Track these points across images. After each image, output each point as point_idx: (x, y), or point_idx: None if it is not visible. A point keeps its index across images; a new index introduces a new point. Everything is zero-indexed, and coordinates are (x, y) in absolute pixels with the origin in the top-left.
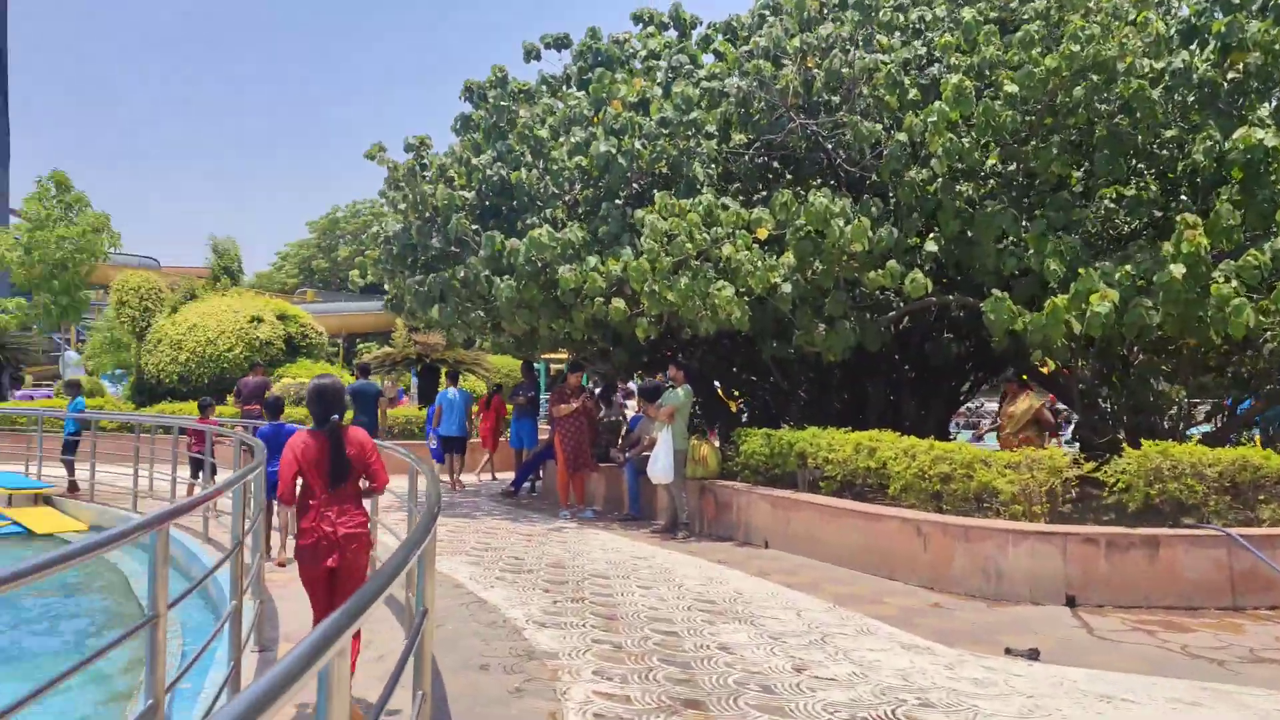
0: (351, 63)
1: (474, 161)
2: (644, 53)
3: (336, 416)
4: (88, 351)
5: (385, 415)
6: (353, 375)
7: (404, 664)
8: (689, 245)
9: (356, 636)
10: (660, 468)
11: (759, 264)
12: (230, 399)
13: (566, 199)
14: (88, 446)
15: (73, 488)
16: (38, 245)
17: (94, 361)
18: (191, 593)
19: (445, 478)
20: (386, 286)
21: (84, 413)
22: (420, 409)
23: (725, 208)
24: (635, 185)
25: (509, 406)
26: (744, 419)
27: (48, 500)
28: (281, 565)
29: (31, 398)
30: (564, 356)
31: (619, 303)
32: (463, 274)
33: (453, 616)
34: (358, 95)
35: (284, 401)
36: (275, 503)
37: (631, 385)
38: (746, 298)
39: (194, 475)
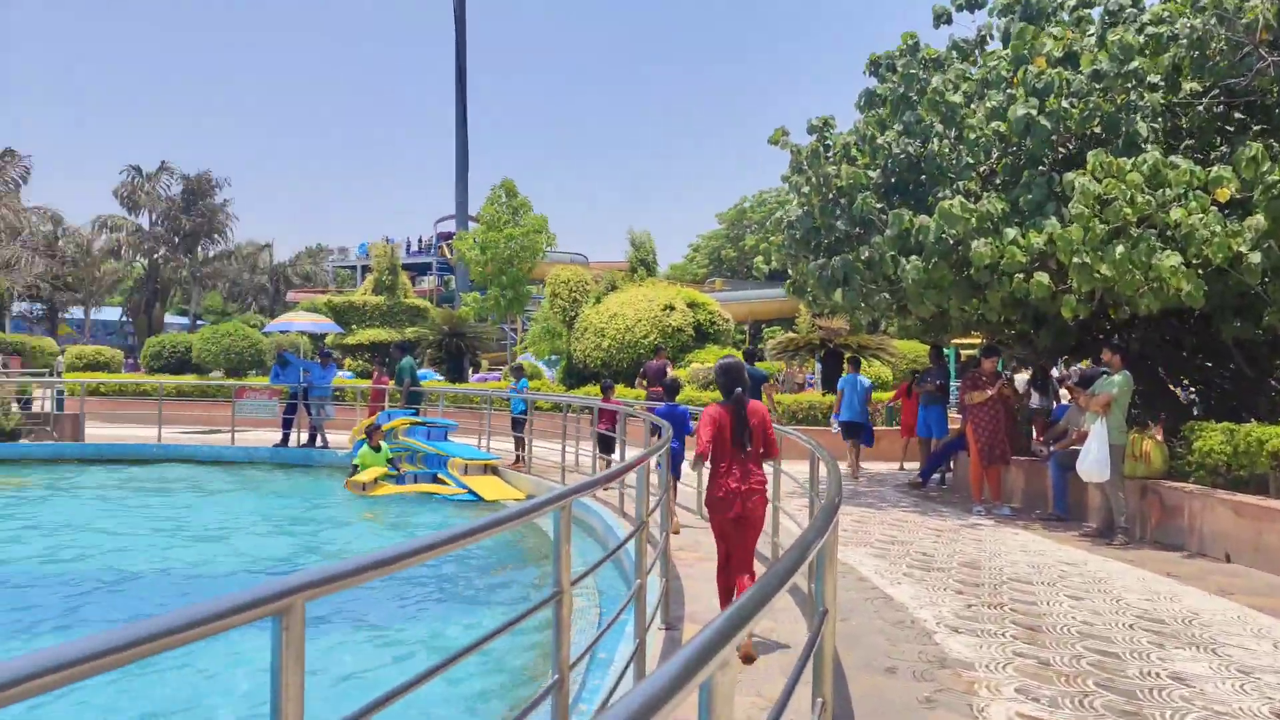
0: (755, 50)
1: (879, 139)
2: (1073, 1)
3: (740, 389)
4: (528, 339)
5: (773, 399)
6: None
7: (803, 665)
8: (1128, 210)
9: (751, 576)
10: (1092, 463)
11: (1218, 230)
12: (638, 381)
13: (981, 169)
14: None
15: (518, 460)
16: (490, 245)
17: (534, 348)
18: (597, 569)
19: (845, 465)
20: (789, 271)
21: (524, 393)
22: (823, 395)
23: (1175, 166)
24: (1061, 149)
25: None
26: (1195, 411)
27: (495, 471)
28: (675, 533)
29: (486, 380)
30: (976, 341)
31: (1042, 278)
32: (867, 255)
33: (857, 611)
34: (762, 84)
35: (681, 383)
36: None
37: (1055, 372)
38: (1200, 269)
39: (605, 451)
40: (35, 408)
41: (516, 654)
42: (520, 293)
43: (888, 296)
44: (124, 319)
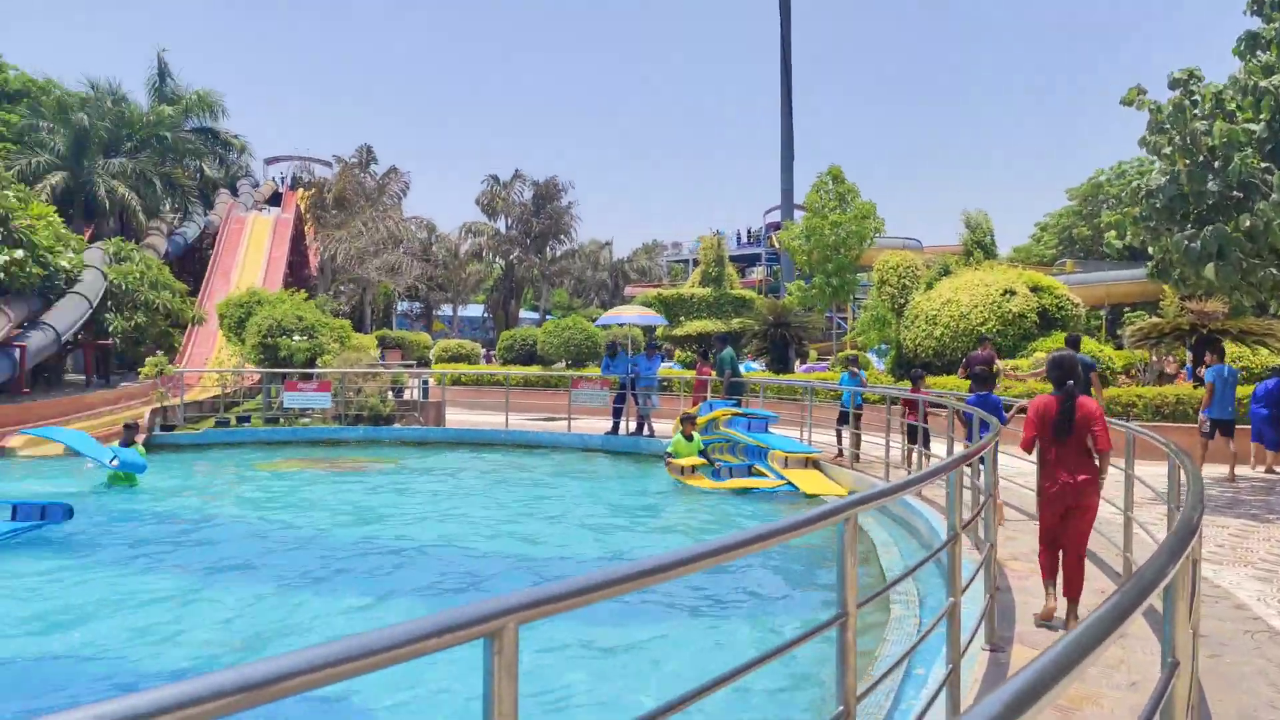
0: (1100, 6)
1: (1263, 84)
2: None
3: (1071, 382)
4: (856, 328)
5: (1099, 390)
6: (1113, 348)
7: (1151, 716)
8: None
9: (1079, 567)
10: None
11: None
12: (960, 371)
13: None
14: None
15: (840, 454)
16: (815, 233)
17: (862, 337)
18: (891, 589)
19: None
20: (1150, 249)
21: (853, 386)
22: (1194, 387)
23: None
24: None
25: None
26: None
27: (816, 464)
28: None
29: (813, 371)
30: None
31: None
32: (1248, 224)
33: (1232, 647)
34: (1112, 41)
35: (994, 372)
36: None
37: None
38: None
39: (911, 442)
40: (406, 395)
41: (811, 667)
42: (847, 280)
43: (1275, 272)
44: (485, 315)
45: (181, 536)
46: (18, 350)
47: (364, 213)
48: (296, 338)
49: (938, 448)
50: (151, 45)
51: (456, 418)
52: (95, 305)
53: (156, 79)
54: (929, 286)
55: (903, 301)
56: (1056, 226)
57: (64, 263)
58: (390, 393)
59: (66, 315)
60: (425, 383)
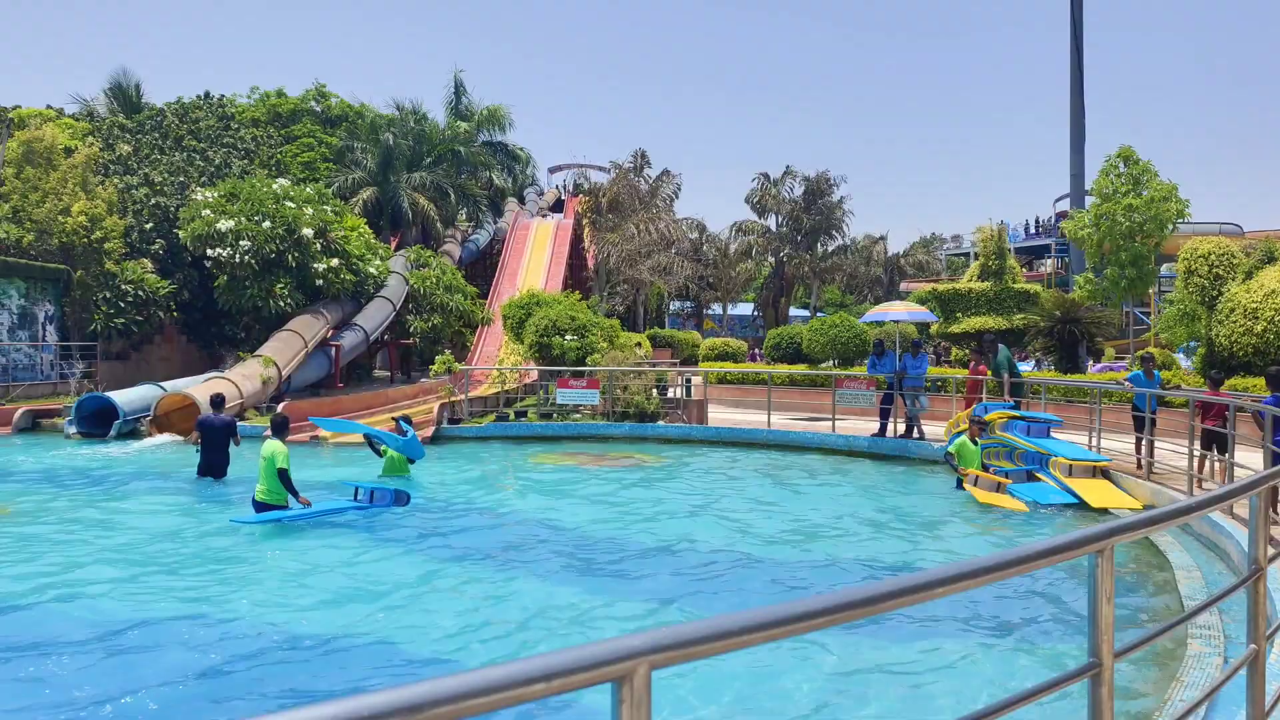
0: None
1: None
2: None
3: None
4: (1160, 324)
5: None
6: None
7: None
8: None
9: None
10: None
11: None
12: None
13: None
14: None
15: (1139, 464)
16: (1105, 220)
17: (1166, 334)
18: (1158, 638)
19: None
20: None
21: (1149, 388)
22: None
23: None
24: None
25: None
26: None
27: (1105, 474)
28: None
29: (1109, 371)
30: None
31: None
32: None
33: None
34: None
35: None
36: None
37: None
38: None
39: (1205, 449)
40: (671, 393)
41: None
42: (1144, 271)
43: None
44: (755, 313)
45: (447, 525)
46: (333, 349)
47: (637, 215)
48: (569, 337)
49: (1253, 459)
50: (450, 66)
51: (719, 416)
52: (398, 308)
53: (453, 97)
54: (1248, 276)
55: (1215, 294)
56: None
57: (372, 269)
58: (655, 390)
59: (374, 317)
60: (689, 381)
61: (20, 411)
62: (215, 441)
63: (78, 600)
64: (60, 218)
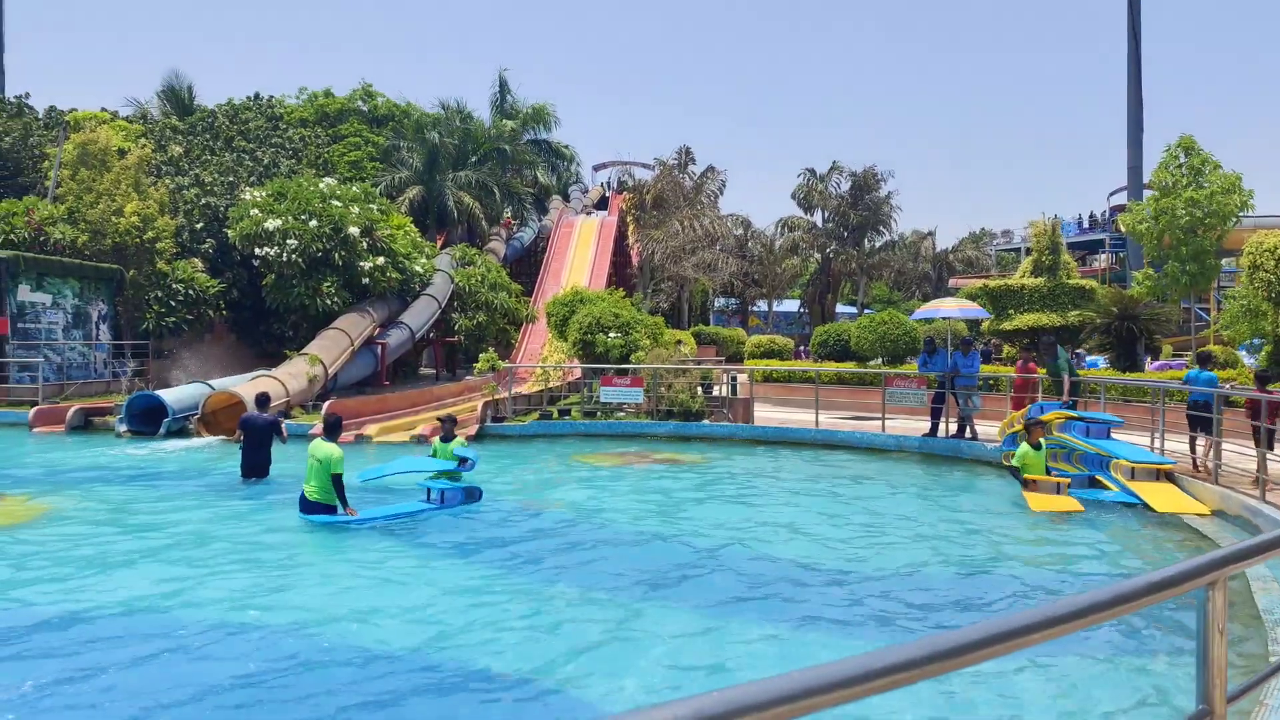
0: None
1: None
2: None
3: None
4: (1222, 320)
5: None
6: None
7: None
8: None
9: None
10: None
11: None
12: None
13: None
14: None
15: (1197, 466)
16: (1164, 214)
17: (1229, 331)
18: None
19: None
20: None
21: (1207, 386)
22: None
23: None
24: None
25: None
26: None
27: (1169, 477)
28: None
29: (1166, 369)
30: None
31: None
32: None
33: None
34: None
35: None
36: None
37: None
38: None
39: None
40: (716, 392)
41: None
42: (1205, 266)
43: None
44: (801, 310)
45: (492, 525)
46: (379, 347)
47: (681, 212)
48: (612, 334)
49: None
50: (495, 65)
51: (765, 415)
52: (444, 305)
53: (498, 95)
54: None
55: None
56: None
57: (418, 268)
58: (700, 388)
59: (420, 315)
60: (734, 379)
61: (73, 410)
62: (258, 440)
63: (118, 600)
64: (114, 218)
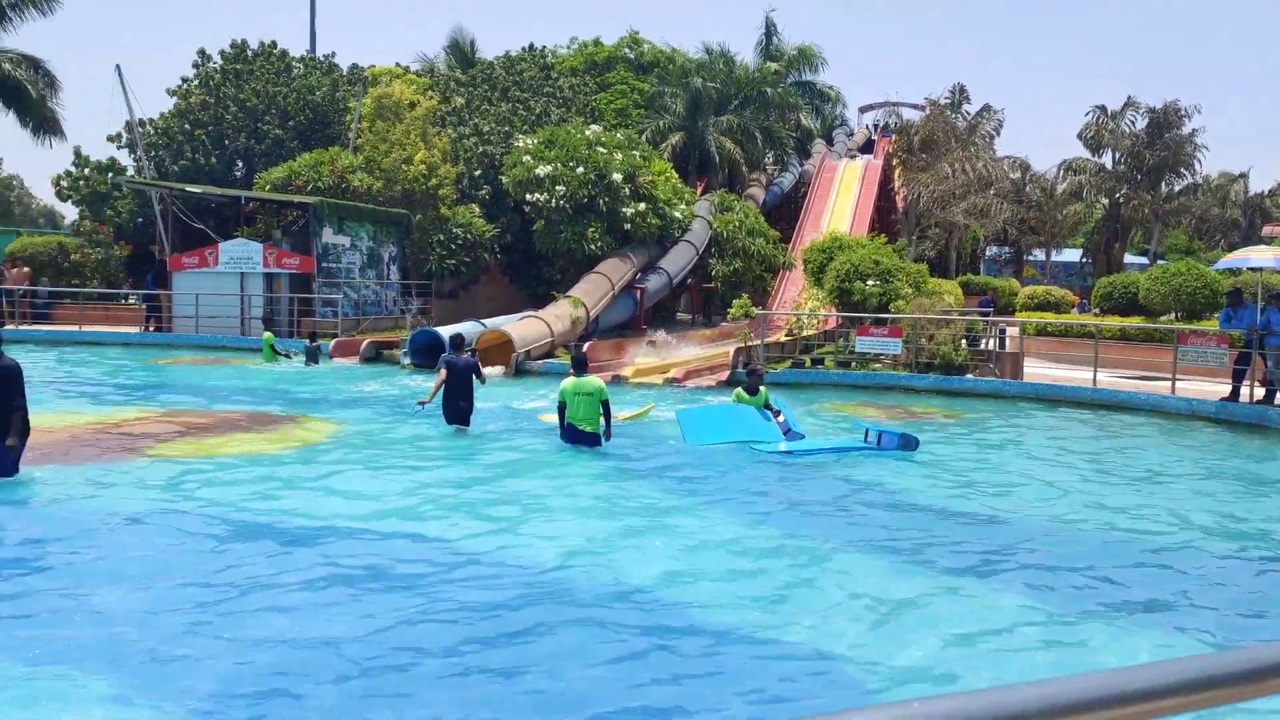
0: None
1: None
2: None
3: None
4: None
5: None
6: None
7: None
8: None
9: None
10: None
11: None
12: None
13: None
14: None
15: None
16: None
17: None
18: None
19: None
20: None
21: None
22: None
23: None
24: None
25: None
26: None
27: None
28: None
29: None
30: None
31: None
32: None
33: None
34: None
35: None
36: None
37: None
38: None
39: None
40: (982, 345)
41: None
42: None
43: None
44: (1083, 259)
45: (742, 477)
46: (638, 292)
47: (952, 154)
48: (871, 282)
49: None
50: (761, 6)
51: (1036, 371)
52: (701, 251)
53: (763, 38)
54: None
55: None
56: None
57: (677, 214)
58: (965, 341)
59: (678, 261)
60: (1003, 331)
61: (366, 342)
62: (461, 383)
63: (391, 525)
64: (404, 166)
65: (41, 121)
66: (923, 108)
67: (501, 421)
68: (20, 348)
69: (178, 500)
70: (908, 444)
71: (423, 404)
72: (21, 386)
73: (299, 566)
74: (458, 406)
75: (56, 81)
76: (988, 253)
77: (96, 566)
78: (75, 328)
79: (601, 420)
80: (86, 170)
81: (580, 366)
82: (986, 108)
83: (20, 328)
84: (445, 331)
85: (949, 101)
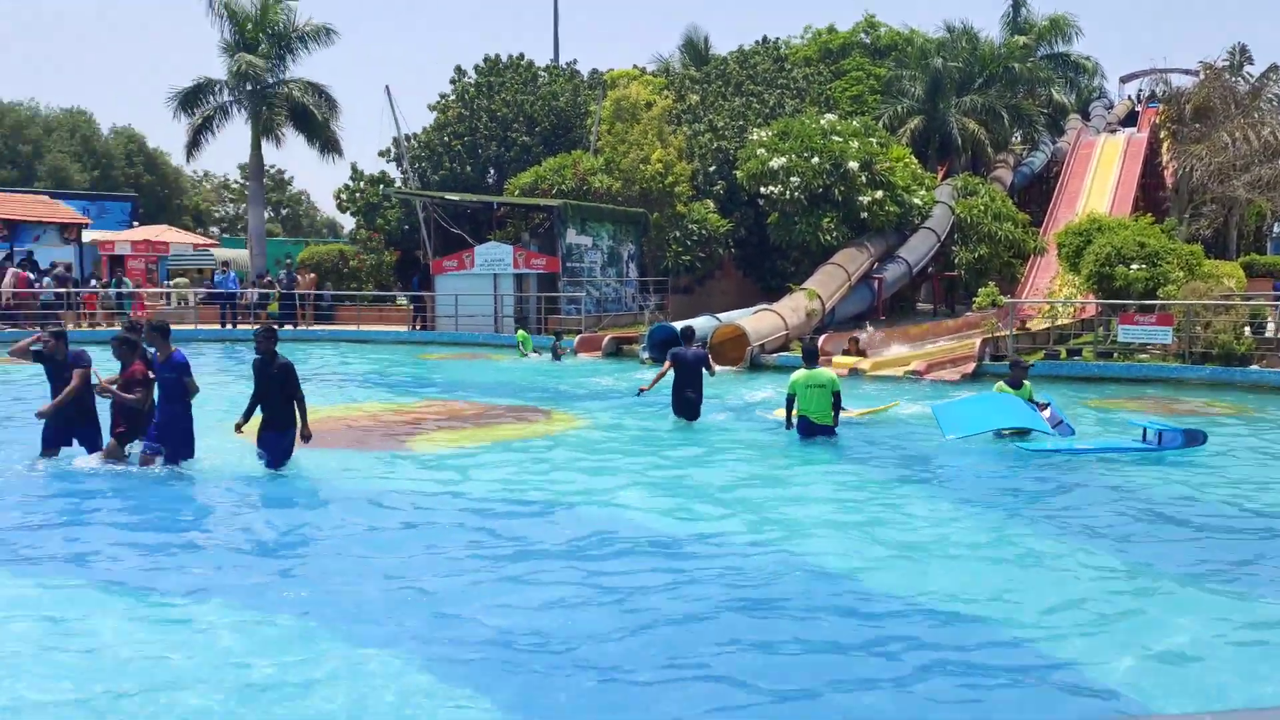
0: None
1: None
2: None
3: None
4: None
5: None
6: None
7: None
8: None
9: None
10: None
11: None
12: None
13: None
14: None
15: None
16: None
17: None
18: None
19: None
20: None
21: None
22: None
23: None
24: None
25: None
26: None
27: None
28: None
29: None
30: None
31: None
32: None
33: None
34: None
35: None
36: None
37: None
38: None
39: None
40: (1269, 333)
41: None
42: None
43: None
44: None
45: (992, 474)
46: (875, 282)
47: (1232, 122)
48: (1135, 266)
49: None
50: None
51: None
52: (943, 238)
53: (1010, 11)
54: None
55: None
56: None
57: (917, 200)
58: (1249, 329)
59: (917, 249)
60: None
61: (608, 338)
62: (689, 375)
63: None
64: (641, 166)
65: (325, 141)
66: (1195, 73)
67: (727, 414)
68: (314, 345)
69: (459, 480)
70: (1193, 439)
71: (643, 390)
72: (297, 380)
73: (557, 540)
74: (685, 398)
75: (336, 104)
76: (1275, 230)
77: (386, 538)
78: (354, 327)
79: (832, 413)
80: (361, 183)
81: (811, 358)
82: (1273, 67)
83: (312, 327)
84: (680, 326)
85: (1227, 64)
